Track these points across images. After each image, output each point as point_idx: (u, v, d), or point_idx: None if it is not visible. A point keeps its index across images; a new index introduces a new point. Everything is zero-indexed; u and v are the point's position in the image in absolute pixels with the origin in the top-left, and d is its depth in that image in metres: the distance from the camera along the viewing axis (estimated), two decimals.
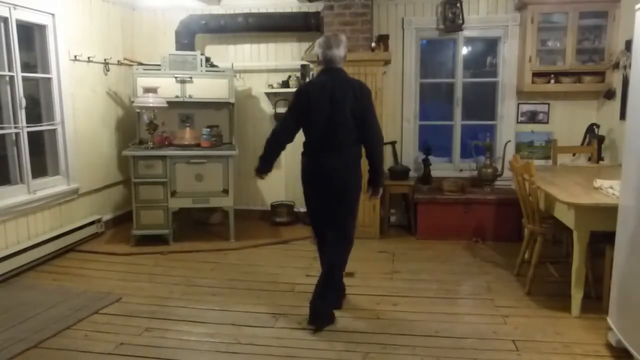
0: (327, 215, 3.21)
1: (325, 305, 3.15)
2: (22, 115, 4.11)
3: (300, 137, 3.25)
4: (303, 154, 3.24)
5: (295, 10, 5.30)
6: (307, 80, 5.22)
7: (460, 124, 5.37)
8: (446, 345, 2.89)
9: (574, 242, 3.16)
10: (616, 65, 4.61)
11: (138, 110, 4.90)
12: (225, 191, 4.83)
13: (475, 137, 5.39)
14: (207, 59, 5.03)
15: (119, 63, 5.32)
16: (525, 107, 5.22)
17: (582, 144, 4.91)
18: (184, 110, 5.13)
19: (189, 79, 4.88)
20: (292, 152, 5.50)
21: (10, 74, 4.01)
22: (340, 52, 3.11)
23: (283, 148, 3.25)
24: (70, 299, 3.50)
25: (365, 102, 3.09)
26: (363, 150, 3.21)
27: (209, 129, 4.88)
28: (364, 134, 3.11)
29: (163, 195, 4.70)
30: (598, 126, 4.80)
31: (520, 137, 5.27)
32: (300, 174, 3.28)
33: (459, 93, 5.33)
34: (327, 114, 3.06)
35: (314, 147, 3.16)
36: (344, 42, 3.15)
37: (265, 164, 3.25)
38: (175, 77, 4.86)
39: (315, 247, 4.63)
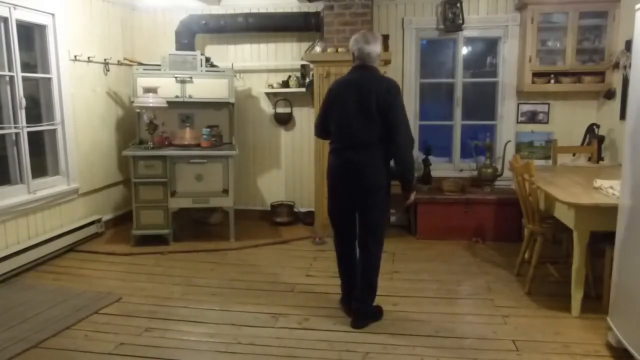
0: (350, 215, 3.16)
1: (365, 306, 3.16)
2: (22, 115, 4.10)
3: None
4: (330, 152, 3.18)
5: (295, 10, 5.30)
6: (307, 80, 5.24)
7: (460, 124, 5.37)
8: (446, 345, 2.89)
9: (574, 242, 3.16)
10: (616, 65, 4.61)
11: (138, 110, 4.89)
12: (225, 191, 4.83)
13: (475, 137, 5.39)
14: (207, 59, 5.03)
15: (119, 63, 5.32)
16: (525, 107, 5.22)
17: (582, 144, 4.91)
18: (184, 110, 5.12)
19: (189, 79, 4.88)
20: (292, 153, 5.56)
21: (10, 74, 4.01)
22: (376, 48, 3.02)
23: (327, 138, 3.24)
24: (70, 299, 3.50)
25: (392, 101, 2.96)
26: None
27: (209, 129, 4.88)
28: (389, 134, 2.97)
29: (163, 195, 4.70)
30: (598, 126, 4.80)
31: (520, 137, 5.26)
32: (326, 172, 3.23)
33: (459, 93, 5.33)
34: (352, 112, 3.00)
35: (339, 145, 3.10)
36: (380, 41, 3.08)
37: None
38: (175, 77, 4.86)
39: (316, 247, 4.70)
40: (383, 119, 2.96)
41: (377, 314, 3.22)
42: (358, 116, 2.99)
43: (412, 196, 3.22)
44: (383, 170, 3.05)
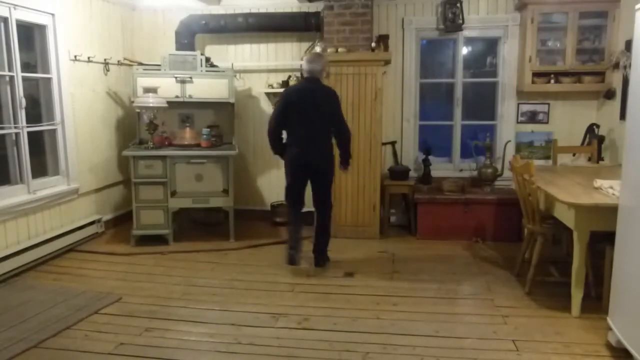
0: (302, 191, 4.14)
1: (324, 250, 4.24)
2: (22, 115, 4.10)
3: None
4: (288, 145, 4.05)
5: (295, 10, 5.30)
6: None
7: (460, 124, 5.37)
8: (446, 345, 2.89)
9: (574, 242, 3.16)
10: (616, 65, 4.61)
11: (138, 110, 4.89)
12: (225, 191, 4.83)
13: (475, 137, 5.39)
14: (207, 59, 5.03)
15: (119, 63, 5.32)
16: (525, 107, 5.22)
17: (582, 144, 4.90)
18: (184, 110, 5.13)
19: (189, 79, 4.88)
20: None
21: (10, 74, 4.01)
22: (318, 66, 3.95)
23: (280, 137, 4.07)
24: (70, 299, 3.50)
25: (334, 105, 3.97)
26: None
27: (209, 129, 4.88)
28: (335, 129, 4.01)
29: (163, 195, 4.70)
30: (598, 126, 4.80)
31: (520, 137, 5.27)
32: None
33: (459, 93, 5.33)
34: (306, 113, 3.91)
35: (297, 140, 3.98)
36: (323, 60, 4.01)
37: (276, 150, 4.15)
38: (175, 77, 4.86)
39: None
40: (330, 118, 3.95)
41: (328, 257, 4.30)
42: (315, 116, 3.90)
43: (349, 167, 4.25)
44: (332, 152, 4.06)
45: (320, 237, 4.21)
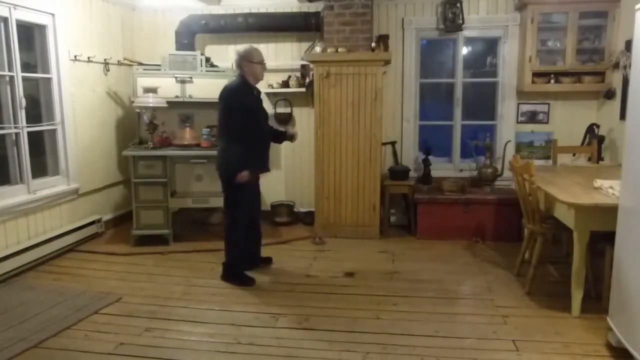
0: None
1: (225, 262, 3.91)
2: (22, 115, 4.11)
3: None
4: None
5: (295, 10, 5.30)
6: (307, 80, 5.25)
7: (460, 124, 5.37)
8: (446, 345, 2.89)
9: (574, 242, 3.16)
10: (616, 65, 4.61)
11: (138, 110, 4.90)
12: None
13: (475, 137, 5.39)
14: (207, 59, 5.03)
15: (119, 63, 5.32)
16: (525, 107, 5.22)
17: (582, 144, 4.90)
18: (184, 110, 5.13)
19: (189, 79, 4.88)
20: (292, 153, 5.56)
21: (10, 74, 4.01)
22: (238, 59, 3.72)
23: None
24: (70, 299, 3.50)
25: (221, 104, 3.67)
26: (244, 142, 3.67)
27: (209, 129, 4.88)
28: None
29: (163, 195, 4.70)
30: (598, 126, 4.80)
31: (520, 137, 5.27)
32: None
33: (459, 93, 5.33)
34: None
35: None
36: (239, 55, 3.74)
37: None
38: (175, 77, 4.86)
39: (316, 247, 4.73)
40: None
41: (235, 279, 3.83)
42: (218, 118, 3.74)
43: (239, 177, 3.66)
44: (226, 159, 3.70)
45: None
